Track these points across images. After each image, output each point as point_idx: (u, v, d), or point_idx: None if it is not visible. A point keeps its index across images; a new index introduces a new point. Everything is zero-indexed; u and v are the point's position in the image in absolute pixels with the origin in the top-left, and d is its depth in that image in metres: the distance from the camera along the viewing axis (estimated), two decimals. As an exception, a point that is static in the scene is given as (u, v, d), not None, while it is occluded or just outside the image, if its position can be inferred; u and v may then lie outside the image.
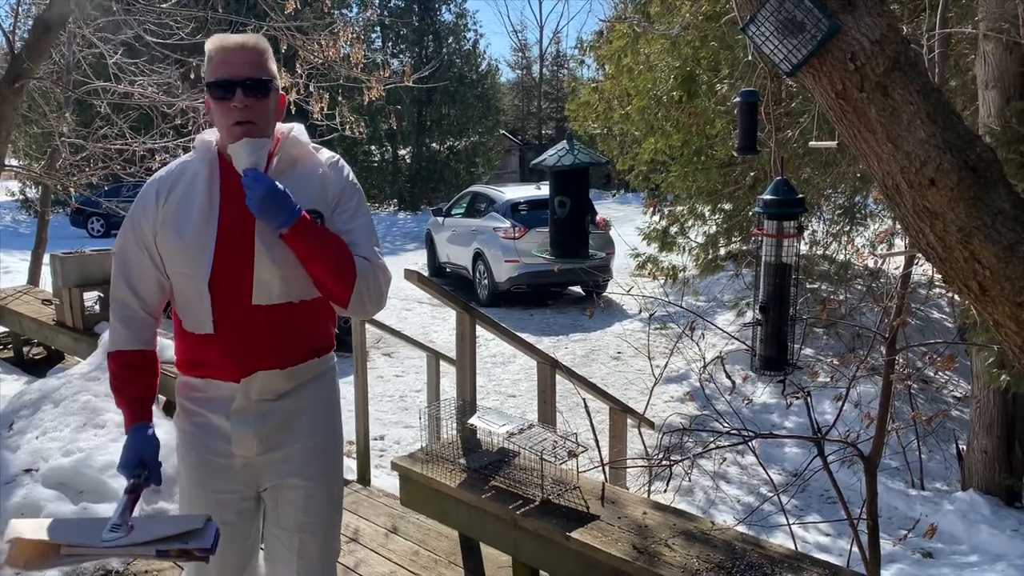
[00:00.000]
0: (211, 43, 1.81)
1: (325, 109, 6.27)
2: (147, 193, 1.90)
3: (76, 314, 5.17)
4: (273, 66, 1.85)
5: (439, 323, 10.16)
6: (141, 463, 1.79)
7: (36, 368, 5.90)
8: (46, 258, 7.13)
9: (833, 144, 2.79)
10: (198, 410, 1.94)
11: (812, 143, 3.22)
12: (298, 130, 1.96)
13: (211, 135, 1.92)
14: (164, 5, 6.29)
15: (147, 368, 1.92)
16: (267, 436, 1.91)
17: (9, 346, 6.42)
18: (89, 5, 6.31)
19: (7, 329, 6.37)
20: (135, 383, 1.90)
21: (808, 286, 8.20)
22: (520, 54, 42.61)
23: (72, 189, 7.55)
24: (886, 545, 4.36)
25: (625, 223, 14.78)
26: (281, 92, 1.90)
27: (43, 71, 6.40)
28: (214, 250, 1.82)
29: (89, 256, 5.34)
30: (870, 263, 7.78)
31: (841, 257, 8.70)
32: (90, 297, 5.20)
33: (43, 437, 3.81)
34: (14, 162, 9.68)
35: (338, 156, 1.99)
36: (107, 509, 3.36)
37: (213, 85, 1.79)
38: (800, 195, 2.50)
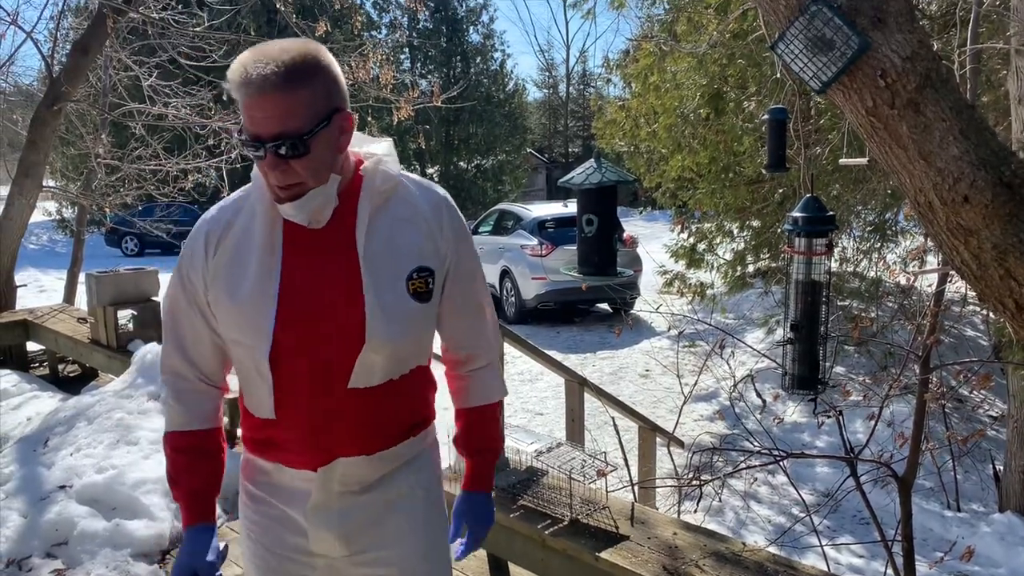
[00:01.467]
0: (232, 72, 1.34)
1: (355, 129, 6.34)
2: (195, 239, 1.52)
3: (110, 332, 5.25)
4: (319, 97, 1.36)
5: (467, 341, 10.17)
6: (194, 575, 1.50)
7: (70, 385, 5.98)
8: (81, 277, 7.25)
9: (863, 161, 2.78)
10: (268, 498, 1.57)
11: (842, 160, 3.20)
12: (385, 158, 1.52)
13: None
14: (197, 29, 6.40)
15: (208, 453, 1.57)
16: (352, 536, 1.54)
17: (44, 364, 6.52)
18: (125, 30, 6.45)
19: (43, 347, 6.47)
20: (194, 473, 1.56)
21: (839, 303, 8.12)
22: (547, 73, 42.76)
23: (107, 209, 7.69)
24: (921, 567, 4.28)
25: (652, 240, 14.74)
26: (346, 112, 1.43)
27: (80, 94, 6.53)
28: (275, 317, 1.44)
29: (124, 275, 5.42)
30: (902, 280, 7.70)
31: (872, 274, 8.61)
32: (124, 315, 5.28)
33: (77, 454, 3.85)
34: (51, 183, 9.88)
35: (441, 192, 1.56)
36: (139, 526, 3.40)
37: (242, 137, 1.38)
38: (830, 212, 2.49)
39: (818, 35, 1.65)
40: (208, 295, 1.49)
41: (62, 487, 3.63)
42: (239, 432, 4.62)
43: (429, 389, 1.64)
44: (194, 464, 1.56)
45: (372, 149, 1.54)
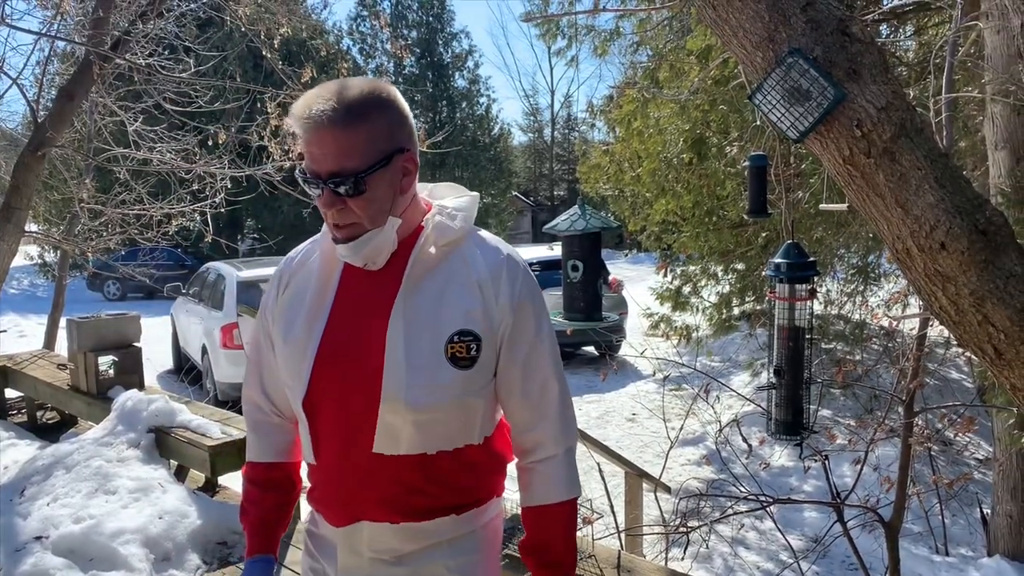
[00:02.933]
0: (295, 107, 1.32)
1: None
2: (274, 276, 1.54)
3: (91, 378, 5.18)
4: (379, 136, 1.32)
5: (452, 385, 10.12)
6: None
7: (49, 433, 5.89)
8: (62, 322, 7.18)
9: (844, 207, 2.80)
10: (313, 550, 1.56)
11: (823, 205, 3.23)
12: (454, 211, 1.45)
13: None
14: (183, 75, 6.45)
15: (277, 486, 1.58)
16: None
17: (23, 411, 6.43)
18: (111, 75, 6.49)
19: (21, 393, 6.38)
20: (260, 504, 1.56)
21: (823, 346, 8.15)
22: (532, 118, 43.33)
23: (90, 254, 7.65)
24: (911, 614, 4.24)
25: (638, 282, 14.79)
26: (410, 153, 1.39)
27: (65, 139, 6.54)
28: (313, 363, 1.40)
29: (105, 320, 5.37)
30: (885, 323, 7.75)
31: (856, 317, 8.66)
32: (105, 361, 5.22)
33: (54, 503, 3.78)
34: (33, 227, 9.85)
35: (505, 254, 1.44)
36: (116, 578, 3.32)
37: (303, 173, 1.36)
38: (811, 258, 2.51)
39: (795, 86, 1.68)
40: (272, 333, 1.50)
41: (38, 538, 3.55)
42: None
43: (485, 469, 1.50)
44: (262, 496, 1.57)
45: (447, 201, 1.48)
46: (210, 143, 6.64)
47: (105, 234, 7.41)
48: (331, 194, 1.32)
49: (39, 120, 5.65)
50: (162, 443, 4.29)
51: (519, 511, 3.09)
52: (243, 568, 1.55)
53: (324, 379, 1.40)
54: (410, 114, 1.40)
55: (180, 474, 4.38)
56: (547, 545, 1.49)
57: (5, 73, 5.72)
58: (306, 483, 1.59)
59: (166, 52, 6.89)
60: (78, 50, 6.79)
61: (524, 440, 1.49)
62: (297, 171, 1.37)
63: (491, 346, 1.40)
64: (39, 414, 6.32)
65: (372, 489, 1.40)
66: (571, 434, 1.52)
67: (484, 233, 1.49)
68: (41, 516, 3.69)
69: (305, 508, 1.62)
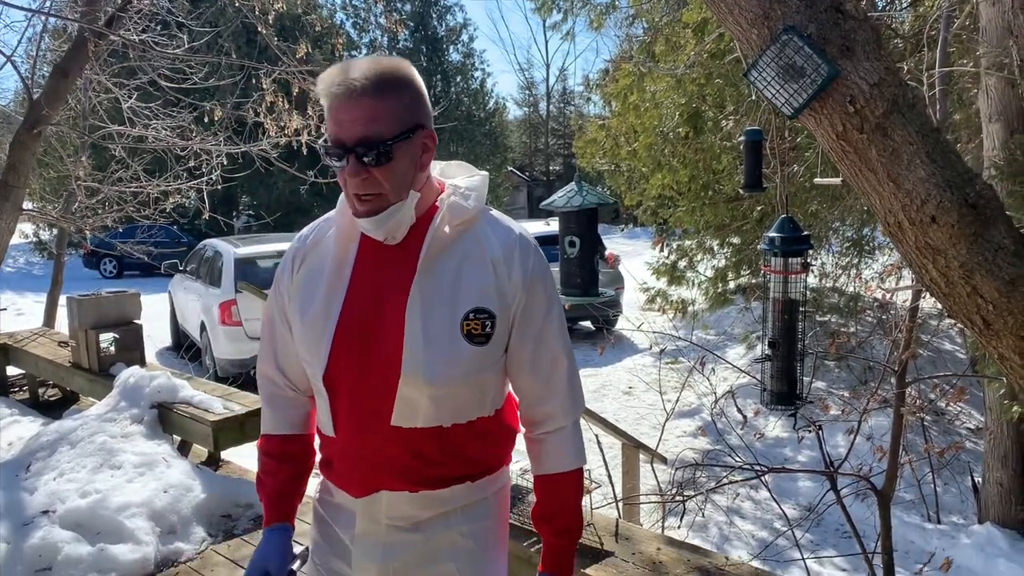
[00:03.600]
0: (323, 79, 1.35)
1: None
2: (287, 253, 1.57)
3: (92, 355, 5.22)
4: (405, 108, 1.37)
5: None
6: (265, 575, 1.53)
7: (51, 410, 5.95)
8: (61, 300, 7.21)
9: (837, 181, 2.84)
10: (327, 519, 1.60)
11: (817, 180, 3.27)
12: (467, 191, 1.49)
13: None
14: (178, 51, 6.42)
15: (292, 458, 1.62)
16: (394, 574, 1.51)
17: (25, 388, 6.48)
18: (105, 52, 6.46)
19: (23, 371, 6.43)
20: (276, 475, 1.60)
21: (818, 319, 8.21)
22: (527, 92, 43.09)
23: (87, 231, 7.66)
24: (902, 580, 4.32)
25: (634, 257, 14.82)
26: (429, 131, 1.43)
27: (60, 116, 6.53)
28: (332, 340, 1.44)
29: (106, 298, 5.41)
30: (879, 295, 7.80)
31: (850, 289, 8.71)
32: (105, 338, 5.26)
33: (60, 479, 3.84)
34: (29, 205, 9.83)
35: (518, 233, 1.49)
36: (124, 550, 3.38)
37: (326, 144, 1.38)
38: (805, 232, 2.54)
39: (789, 63, 1.71)
40: (288, 310, 1.54)
41: (45, 512, 3.61)
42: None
43: (496, 442, 1.56)
44: (277, 468, 1.61)
45: (458, 181, 1.52)
46: (205, 120, 6.63)
47: (102, 212, 7.42)
48: (357, 163, 1.34)
49: (34, 98, 5.64)
50: (165, 419, 4.35)
51: (517, 481, 3.14)
52: (261, 537, 1.59)
53: (343, 355, 1.44)
54: (427, 93, 1.45)
55: (183, 449, 4.44)
56: (559, 512, 1.54)
57: (-1, 51, 5.70)
58: (317, 455, 1.63)
59: (159, 28, 6.85)
60: (72, 27, 6.75)
61: (534, 413, 1.54)
62: (320, 143, 1.39)
63: (504, 322, 1.45)
64: (41, 391, 6.37)
65: (390, 461, 1.45)
66: (579, 407, 1.57)
67: (495, 212, 1.53)
68: (47, 491, 3.75)
69: (312, 482, 1.66)
